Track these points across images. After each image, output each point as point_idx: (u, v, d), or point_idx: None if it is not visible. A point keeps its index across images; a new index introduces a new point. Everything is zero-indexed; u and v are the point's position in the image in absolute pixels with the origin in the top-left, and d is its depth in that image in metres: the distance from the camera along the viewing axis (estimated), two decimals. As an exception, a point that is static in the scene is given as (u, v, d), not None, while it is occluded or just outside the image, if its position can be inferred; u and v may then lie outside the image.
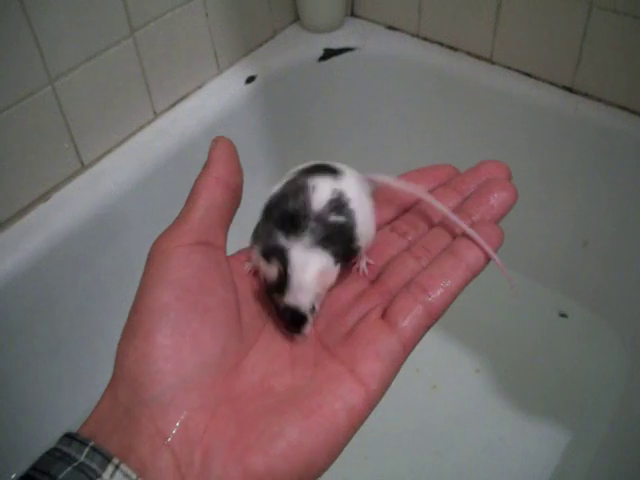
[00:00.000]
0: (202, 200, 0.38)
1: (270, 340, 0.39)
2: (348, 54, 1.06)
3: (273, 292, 0.39)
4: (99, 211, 0.83)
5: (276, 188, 0.42)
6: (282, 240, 0.39)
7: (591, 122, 0.92)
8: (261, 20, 1.06)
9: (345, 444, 0.34)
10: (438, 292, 0.37)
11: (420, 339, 0.37)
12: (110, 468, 0.30)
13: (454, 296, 0.38)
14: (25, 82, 0.75)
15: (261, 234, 0.41)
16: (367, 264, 0.43)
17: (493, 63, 1.01)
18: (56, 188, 0.83)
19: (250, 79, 1.01)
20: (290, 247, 0.39)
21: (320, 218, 0.40)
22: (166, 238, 0.37)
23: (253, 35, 1.05)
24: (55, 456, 0.31)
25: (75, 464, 0.30)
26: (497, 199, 0.42)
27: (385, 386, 0.36)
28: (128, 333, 0.35)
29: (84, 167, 0.86)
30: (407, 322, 0.36)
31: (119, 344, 0.35)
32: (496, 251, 0.40)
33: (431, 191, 0.45)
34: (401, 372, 1.12)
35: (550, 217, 1.04)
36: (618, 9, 0.85)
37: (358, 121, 1.12)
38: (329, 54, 1.06)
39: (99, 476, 0.30)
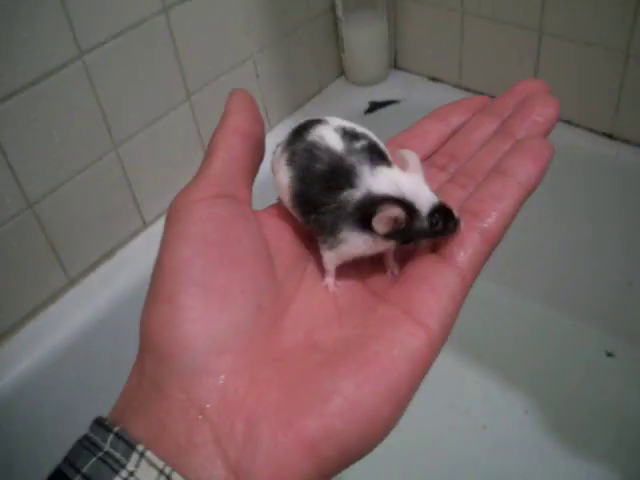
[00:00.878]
0: (220, 152, 0.35)
1: (311, 293, 0.35)
2: (393, 106, 1.10)
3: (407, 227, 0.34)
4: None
5: (285, 171, 0.37)
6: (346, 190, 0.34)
7: (631, 167, 0.95)
8: (308, 77, 1.11)
9: (411, 394, 0.31)
10: (492, 215, 0.34)
11: (480, 270, 0.34)
12: (135, 457, 0.27)
13: (511, 217, 0.34)
14: (93, 148, 0.81)
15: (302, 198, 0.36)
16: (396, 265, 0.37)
17: (534, 111, 1.03)
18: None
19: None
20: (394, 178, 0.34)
21: (351, 152, 0.35)
22: (185, 194, 0.34)
23: (301, 91, 1.10)
24: (83, 445, 0.28)
25: (100, 454, 0.27)
26: (540, 114, 0.38)
27: (447, 326, 0.32)
28: (150, 299, 0.31)
29: (145, 225, 0.91)
30: (463, 252, 0.33)
31: (143, 311, 0.31)
32: (547, 166, 0.36)
33: (466, 121, 0.42)
34: (451, 412, 1.13)
35: (596, 258, 1.06)
36: (654, 59, 0.87)
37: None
38: (374, 107, 1.10)
39: (123, 466, 0.27)
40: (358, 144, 0.35)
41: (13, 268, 0.78)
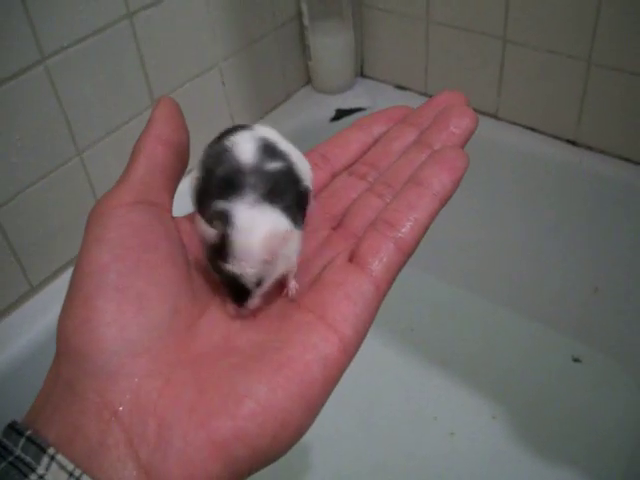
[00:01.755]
0: (142, 159, 0.35)
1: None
2: (359, 114, 1.10)
3: (214, 259, 0.34)
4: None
5: (195, 170, 0.38)
6: (223, 204, 0.34)
7: (595, 173, 0.96)
8: (274, 84, 1.11)
9: (324, 399, 0.31)
10: (407, 225, 0.35)
11: (394, 279, 0.34)
12: (45, 460, 0.27)
13: (425, 228, 0.35)
14: (56, 154, 0.81)
15: (202, 201, 0.36)
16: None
17: (499, 119, 1.05)
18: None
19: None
20: (232, 207, 0.34)
21: (256, 169, 0.35)
22: (105, 200, 0.34)
23: (267, 99, 1.10)
24: None
25: (10, 459, 0.27)
26: (457, 125, 0.39)
27: (360, 332, 0.33)
28: (67, 302, 0.31)
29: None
30: (377, 261, 0.34)
31: (60, 314, 0.31)
32: (462, 176, 0.37)
33: (387, 131, 0.42)
34: (418, 420, 1.13)
35: (562, 265, 1.07)
36: (615, 66, 0.89)
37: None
38: (341, 114, 1.10)
39: (33, 470, 0.27)
40: (269, 164, 0.36)
41: (-27, 275, 0.77)
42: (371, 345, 1.06)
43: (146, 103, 0.89)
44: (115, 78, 0.84)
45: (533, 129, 1.02)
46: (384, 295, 0.34)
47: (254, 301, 0.34)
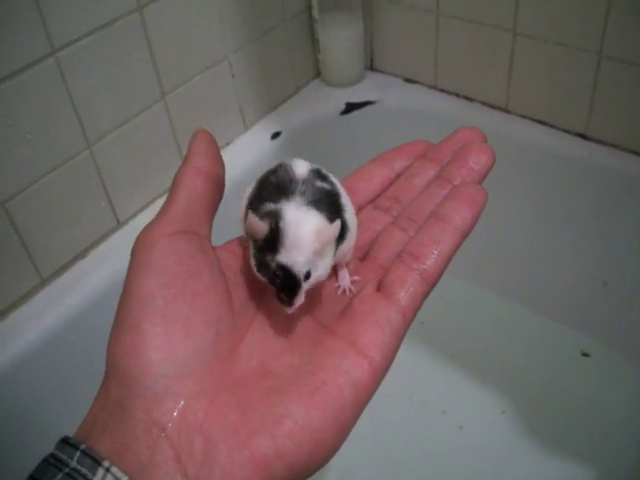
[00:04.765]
0: (183, 191, 0.37)
1: (265, 324, 0.38)
2: (369, 107, 1.10)
3: (264, 256, 0.37)
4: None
5: (250, 189, 0.41)
6: (273, 205, 0.37)
7: (605, 167, 0.96)
8: (284, 78, 1.11)
9: (354, 420, 0.34)
10: (432, 258, 0.37)
11: (419, 308, 0.37)
12: (101, 472, 0.29)
13: (448, 260, 0.37)
14: (66, 147, 0.81)
15: (253, 204, 0.39)
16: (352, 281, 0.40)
17: (508, 112, 1.04)
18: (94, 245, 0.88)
19: (275, 135, 1.05)
20: (283, 206, 0.37)
21: (307, 182, 0.38)
22: (149, 230, 0.36)
23: (277, 92, 1.10)
24: (49, 462, 0.30)
25: (67, 470, 0.29)
26: (475, 162, 0.42)
27: (389, 358, 0.35)
28: (116, 327, 0.33)
29: (119, 224, 0.91)
30: (404, 291, 0.36)
31: (109, 338, 0.34)
32: (481, 210, 0.39)
33: (408, 166, 0.45)
34: (428, 413, 1.14)
35: (571, 259, 1.07)
36: (625, 59, 0.88)
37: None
38: (350, 108, 1.10)
39: None
40: (319, 183, 0.39)
41: (-16, 267, 0.77)
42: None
43: (156, 96, 0.89)
44: (125, 71, 0.84)
45: (543, 122, 1.01)
46: (410, 322, 0.36)
47: (301, 298, 0.36)
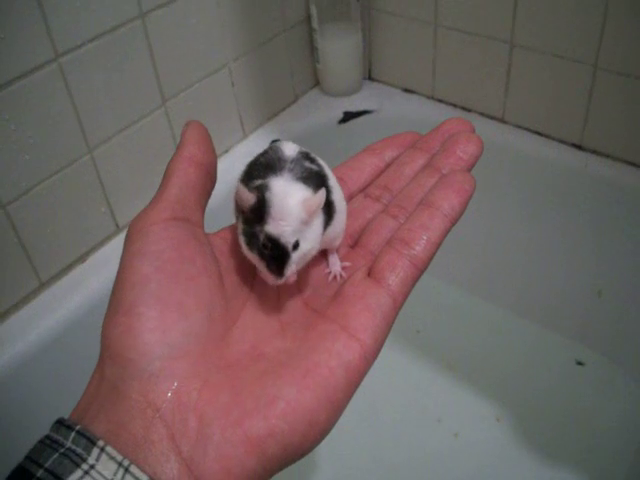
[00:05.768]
0: (176, 179, 0.38)
1: (257, 309, 0.38)
2: (367, 116, 1.11)
3: (253, 225, 0.37)
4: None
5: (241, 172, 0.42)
6: (262, 180, 0.38)
7: (600, 177, 0.96)
8: (283, 86, 1.12)
9: (346, 401, 0.34)
10: (421, 244, 0.38)
11: (409, 293, 0.38)
12: (95, 451, 0.29)
13: (437, 246, 0.38)
14: (67, 152, 0.81)
15: (243, 182, 0.40)
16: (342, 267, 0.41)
17: (505, 123, 1.05)
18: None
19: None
20: (271, 180, 0.38)
21: (295, 161, 0.39)
22: (142, 217, 0.37)
23: (276, 100, 1.11)
24: (45, 443, 0.30)
25: (62, 450, 0.30)
26: (463, 151, 0.42)
27: (379, 341, 0.35)
28: (111, 311, 0.34)
29: (119, 229, 0.91)
30: (394, 276, 0.37)
31: (104, 322, 0.34)
32: (470, 197, 0.40)
33: (398, 156, 0.46)
34: (423, 421, 1.14)
35: (566, 268, 1.08)
36: (621, 71, 0.89)
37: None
38: (348, 117, 1.11)
39: (84, 460, 0.29)
40: (308, 163, 0.40)
41: (-16, 270, 0.78)
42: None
43: (157, 102, 0.90)
44: (126, 77, 0.85)
45: (539, 133, 1.02)
46: (400, 307, 0.37)
47: (292, 268, 0.37)
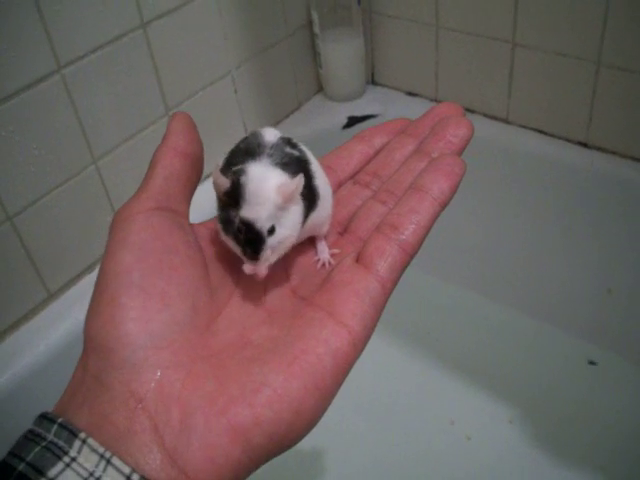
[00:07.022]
0: (160, 169, 0.38)
1: (243, 298, 0.38)
2: (371, 121, 1.11)
3: (228, 210, 0.37)
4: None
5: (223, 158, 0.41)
6: (240, 166, 0.38)
7: (606, 175, 0.96)
8: (287, 92, 1.12)
9: (334, 389, 0.33)
10: (410, 228, 0.37)
11: (398, 278, 0.37)
12: (77, 443, 0.29)
13: (426, 230, 0.38)
14: (72, 162, 0.82)
15: (223, 171, 0.39)
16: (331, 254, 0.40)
17: (509, 123, 1.05)
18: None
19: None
20: (248, 165, 0.37)
21: (275, 147, 0.38)
22: (126, 207, 0.36)
23: (280, 107, 1.12)
24: (28, 437, 0.30)
25: (44, 443, 0.29)
26: (454, 135, 0.42)
27: (368, 327, 0.35)
28: (94, 302, 0.34)
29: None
30: (383, 261, 0.36)
31: (87, 313, 0.34)
32: (460, 181, 0.39)
33: (387, 142, 0.45)
34: (435, 424, 1.13)
35: (573, 267, 1.07)
36: (624, 67, 0.89)
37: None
38: (353, 122, 1.11)
39: (66, 453, 0.29)
40: (289, 149, 0.39)
41: (-8, 281, 0.78)
42: (388, 350, 1.08)
43: (160, 111, 0.90)
44: (129, 87, 0.85)
45: (544, 132, 1.02)
46: (389, 293, 0.36)
47: (267, 254, 0.36)
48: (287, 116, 1.13)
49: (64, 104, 0.78)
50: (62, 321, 0.82)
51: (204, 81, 0.95)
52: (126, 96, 0.85)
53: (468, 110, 1.08)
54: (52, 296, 0.84)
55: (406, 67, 1.13)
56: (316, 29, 1.09)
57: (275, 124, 1.11)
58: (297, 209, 0.38)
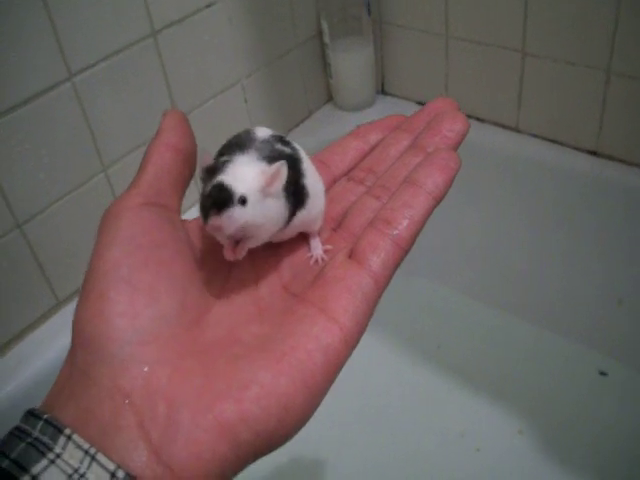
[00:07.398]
0: (151, 165, 0.38)
1: (234, 295, 0.38)
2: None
3: (206, 185, 0.36)
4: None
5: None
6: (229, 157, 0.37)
7: (617, 183, 0.96)
8: (296, 102, 1.12)
9: (325, 386, 0.33)
10: (404, 223, 0.36)
11: (392, 274, 0.36)
12: (62, 440, 0.29)
13: (420, 225, 0.37)
14: (82, 170, 0.82)
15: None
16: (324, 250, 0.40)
17: (519, 132, 1.05)
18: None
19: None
20: (236, 156, 0.37)
21: (266, 142, 0.38)
22: (116, 203, 0.36)
23: (289, 116, 1.12)
24: (14, 434, 0.30)
25: (29, 440, 0.29)
26: (449, 129, 0.41)
27: (360, 324, 0.34)
28: (82, 297, 0.33)
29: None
30: (376, 256, 0.35)
31: (75, 310, 0.33)
32: (454, 175, 0.39)
33: (383, 138, 0.45)
34: (445, 436, 1.12)
35: (585, 277, 1.07)
36: (634, 75, 0.89)
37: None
38: (362, 131, 1.11)
39: (51, 449, 0.29)
40: (280, 146, 0.39)
41: (1, 289, 0.78)
42: (398, 362, 1.07)
43: (170, 120, 0.90)
44: (140, 95, 0.86)
45: (554, 141, 1.02)
46: (383, 289, 0.36)
47: (233, 218, 0.35)
48: (297, 125, 1.13)
49: (74, 112, 0.79)
50: (71, 328, 0.82)
51: (214, 90, 0.96)
52: (136, 104, 0.86)
53: (478, 119, 1.08)
54: (61, 303, 0.85)
55: (416, 77, 1.13)
56: (326, 39, 1.09)
57: (285, 133, 1.11)
58: (278, 203, 0.37)
